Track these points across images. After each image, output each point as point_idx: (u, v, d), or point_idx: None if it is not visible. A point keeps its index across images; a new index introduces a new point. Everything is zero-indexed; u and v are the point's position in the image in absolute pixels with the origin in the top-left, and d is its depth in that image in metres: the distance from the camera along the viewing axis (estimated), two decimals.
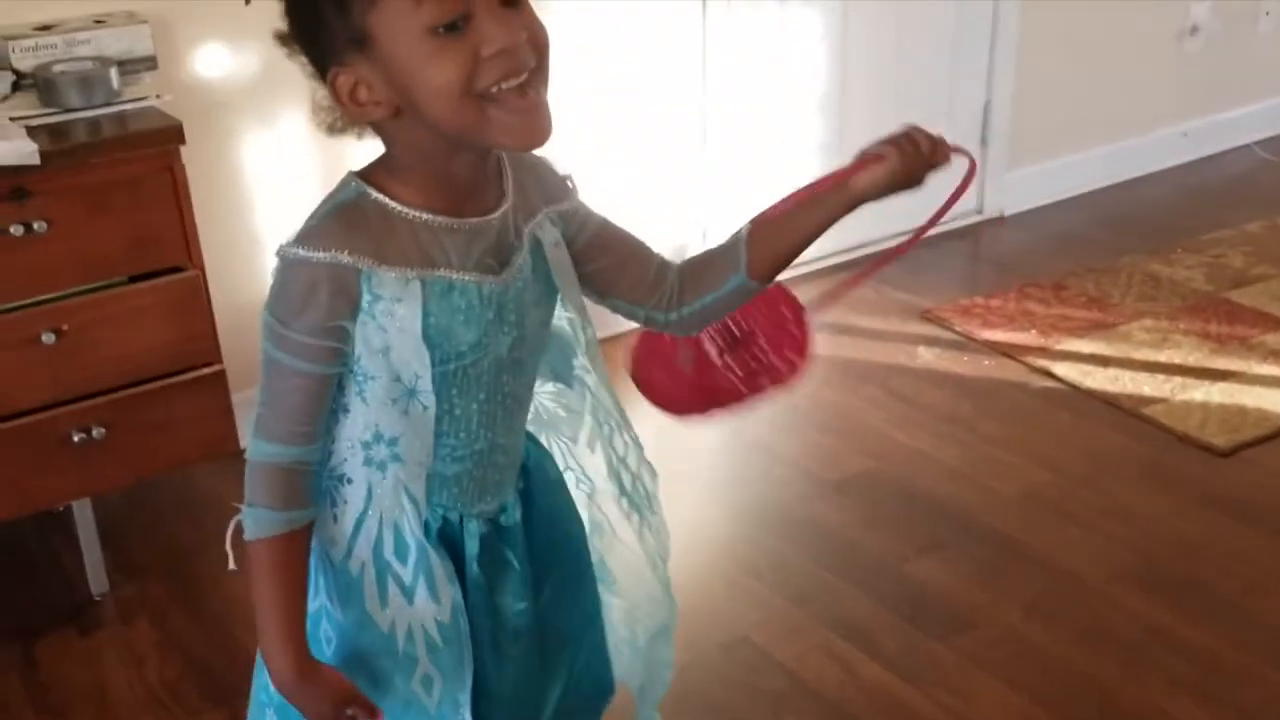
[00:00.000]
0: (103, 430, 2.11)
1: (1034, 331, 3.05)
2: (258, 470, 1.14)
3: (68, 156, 2.00)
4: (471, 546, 1.23)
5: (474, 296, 1.12)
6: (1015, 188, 3.74)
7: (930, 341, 3.08)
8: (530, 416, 1.30)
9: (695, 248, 3.20)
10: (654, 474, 1.38)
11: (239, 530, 1.17)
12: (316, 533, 1.18)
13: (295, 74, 1.10)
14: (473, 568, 1.23)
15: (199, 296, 2.15)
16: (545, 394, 1.33)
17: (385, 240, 1.08)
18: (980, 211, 3.72)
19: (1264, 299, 3.15)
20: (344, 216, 1.08)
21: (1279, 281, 3.24)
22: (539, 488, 1.31)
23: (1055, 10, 3.61)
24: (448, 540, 1.22)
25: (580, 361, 1.30)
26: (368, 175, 1.11)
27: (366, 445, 1.14)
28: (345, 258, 1.06)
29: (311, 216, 1.10)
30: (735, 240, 1.24)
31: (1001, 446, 2.65)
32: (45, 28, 2.21)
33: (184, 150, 2.09)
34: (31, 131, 2.01)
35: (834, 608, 2.20)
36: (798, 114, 3.33)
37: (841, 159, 1.21)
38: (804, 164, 3.35)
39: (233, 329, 2.26)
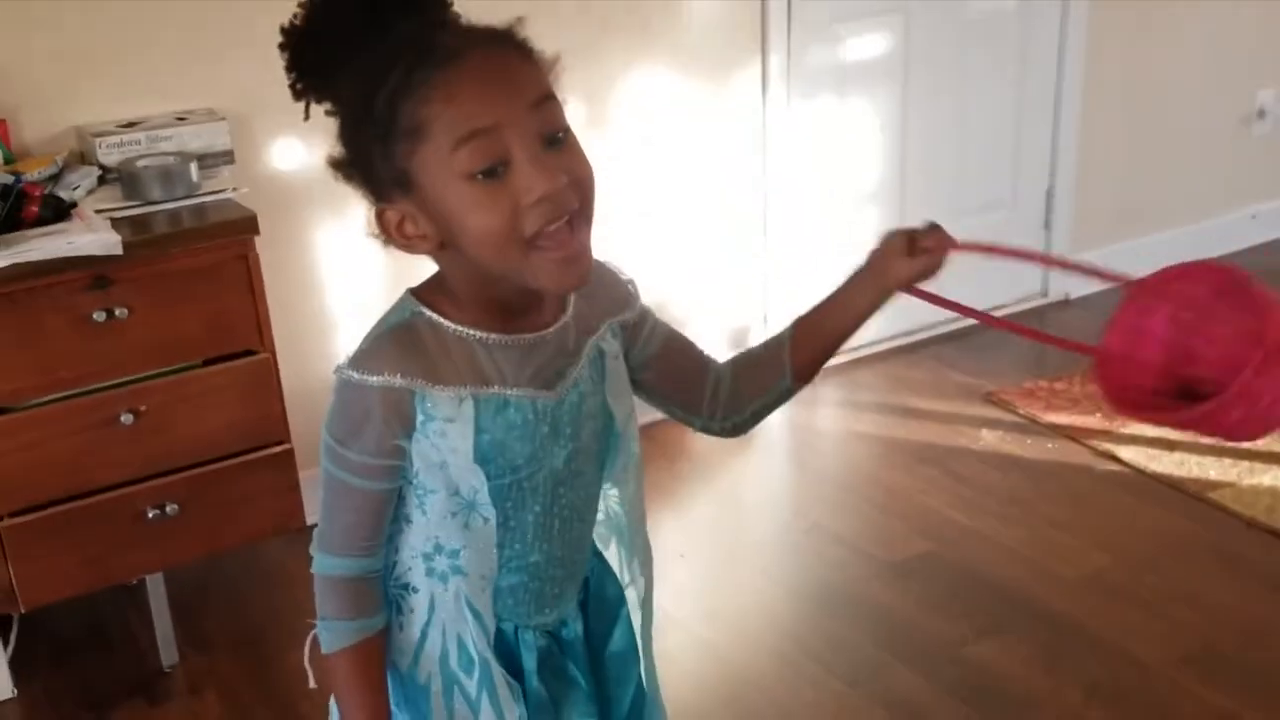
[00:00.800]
0: (176, 507, 2.19)
1: (1098, 415, 3.03)
2: (326, 584, 1.16)
3: (148, 247, 2.10)
4: (529, 660, 1.23)
5: (528, 412, 1.13)
6: None
7: (993, 424, 3.07)
8: (601, 517, 1.29)
9: (757, 331, 3.27)
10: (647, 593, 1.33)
11: (315, 645, 1.19)
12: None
13: None
14: (532, 682, 1.23)
15: (270, 378, 2.23)
16: (612, 497, 1.30)
17: (439, 359, 1.10)
18: (1045, 295, 3.71)
19: None
20: (398, 337, 1.10)
21: None
22: (595, 606, 1.30)
23: (1118, 96, 3.63)
24: (506, 653, 1.22)
25: (607, 483, 1.27)
26: (422, 293, 1.13)
27: (428, 557, 1.16)
28: (399, 380, 1.08)
29: (366, 337, 1.12)
30: (778, 344, 1.25)
31: (1063, 529, 2.63)
32: (130, 124, 2.34)
33: (258, 240, 2.18)
34: (115, 223, 2.11)
35: (890, 690, 2.19)
36: (857, 202, 3.37)
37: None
38: (862, 252, 3.39)
39: (301, 409, 2.34)
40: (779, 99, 3.14)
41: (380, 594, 1.18)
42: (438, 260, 1.12)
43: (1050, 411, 3.07)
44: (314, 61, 1.09)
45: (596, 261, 1.18)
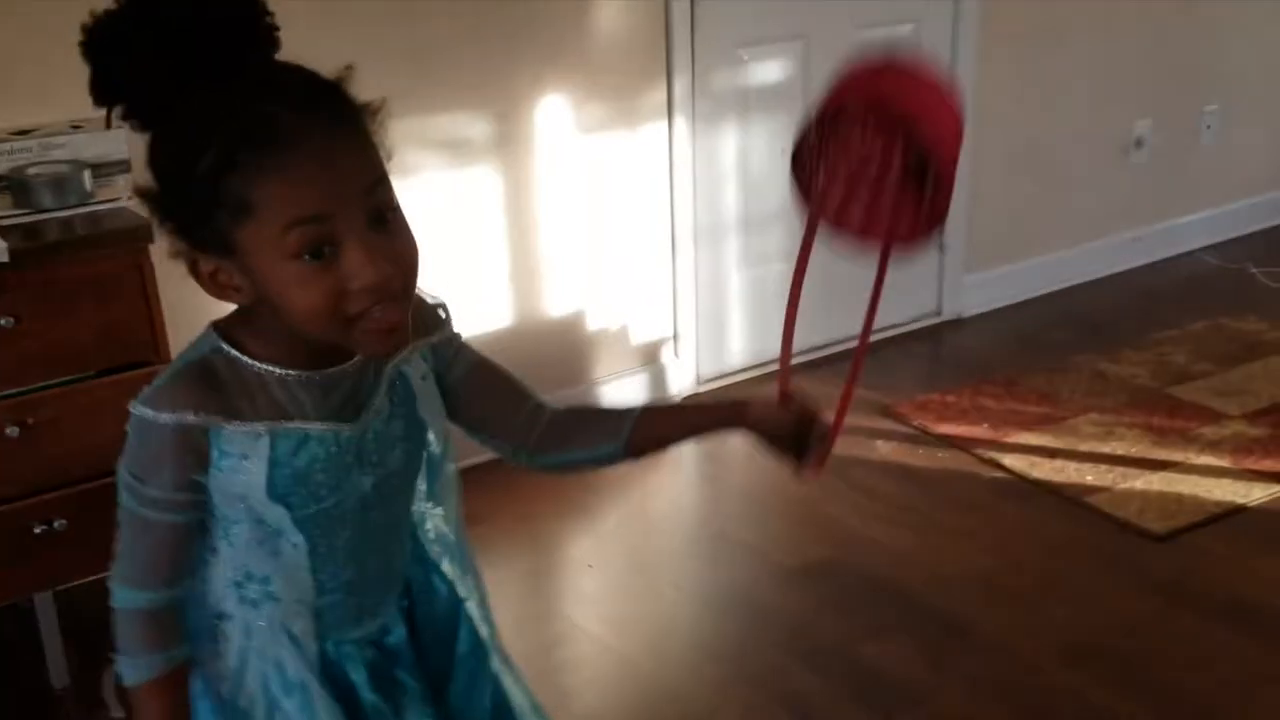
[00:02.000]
0: (65, 523, 2.12)
1: (986, 425, 3.18)
2: (128, 618, 1.16)
3: (38, 255, 2.05)
4: (357, 674, 1.23)
5: (331, 444, 1.13)
6: (972, 292, 3.91)
7: (889, 435, 3.21)
8: (432, 536, 1.31)
9: (667, 350, 3.37)
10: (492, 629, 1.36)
11: (118, 679, 1.19)
12: (204, 668, 1.21)
13: None
14: (365, 694, 1.23)
15: None
16: (437, 515, 1.32)
17: (236, 396, 1.09)
18: (939, 314, 3.88)
19: (1204, 394, 3.30)
20: (193, 374, 1.10)
21: (1219, 378, 3.39)
22: (423, 600, 1.31)
23: (1006, 124, 3.81)
24: (332, 672, 1.22)
25: (423, 501, 1.29)
26: (226, 327, 1.13)
27: (239, 585, 1.18)
28: (191, 417, 1.08)
29: (163, 373, 1.12)
30: (623, 415, 1.27)
31: (952, 534, 2.77)
32: (23, 132, 2.27)
33: (154, 249, 2.14)
34: (4, 231, 2.06)
35: (788, 689, 2.30)
36: (762, 224, 3.49)
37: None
38: (767, 272, 3.52)
39: None
40: (684, 122, 3.25)
41: (182, 625, 1.18)
42: (252, 306, 1.10)
43: (941, 423, 3.22)
44: (119, 75, 1.05)
45: None
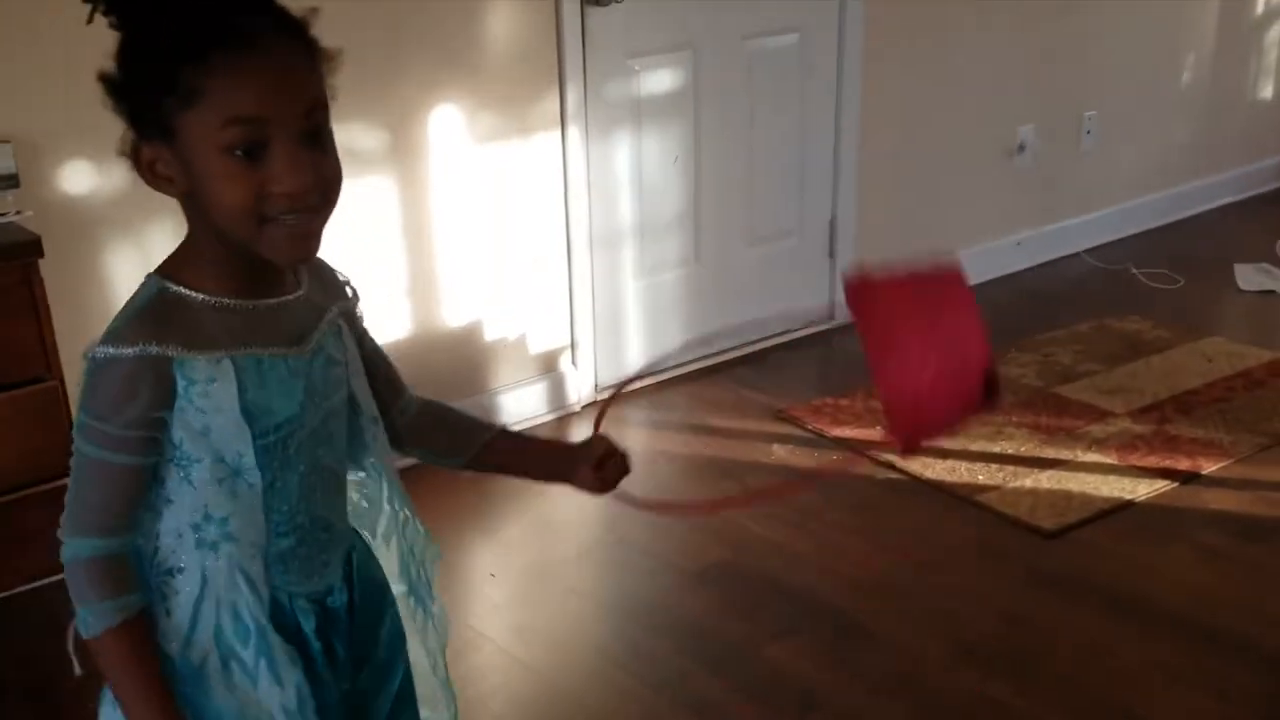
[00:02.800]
0: None
1: (879, 428, 3.22)
2: (80, 568, 1.15)
3: None
4: (307, 624, 1.26)
5: (283, 369, 1.18)
6: None
7: (784, 439, 3.24)
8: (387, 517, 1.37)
9: (565, 360, 3.36)
10: (437, 556, 1.43)
11: (78, 635, 1.17)
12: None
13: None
14: (314, 644, 1.26)
15: (58, 407, 2.18)
16: (351, 483, 1.36)
17: (190, 329, 1.14)
18: (833, 318, 3.92)
19: (1090, 393, 3.39)
20: (148, 312, 1.14)
21: (1103, 376, 3.49)
22: (362, 573, 1.35)
23: (893, 130, 3.88)
24: (283, 623, 1.24)
25: (371, 449, 1.33)
26: (166, 270, 1.17)
27: (196, 527, 1.18)
28: (155, 348, 1.11)
29: (116, 319, 1.15)
30: (476, 434, 1.40)
31: (848, 535, 2.80)
32: None
33: (46, 265, 2.14)
34: None
35: (690, 692, 2.30)
36: (656, 233, 3.50)
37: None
38: (663, 279, 3.53)
39: None
40: (578, 131, 3.24)
41: (137, 574, 1.18)
42: (183, 206, 1.17)
43: (836, 426, 3.25)
44: None
45: (320, 258, 1.26)
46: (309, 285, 1.24)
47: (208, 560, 1.19)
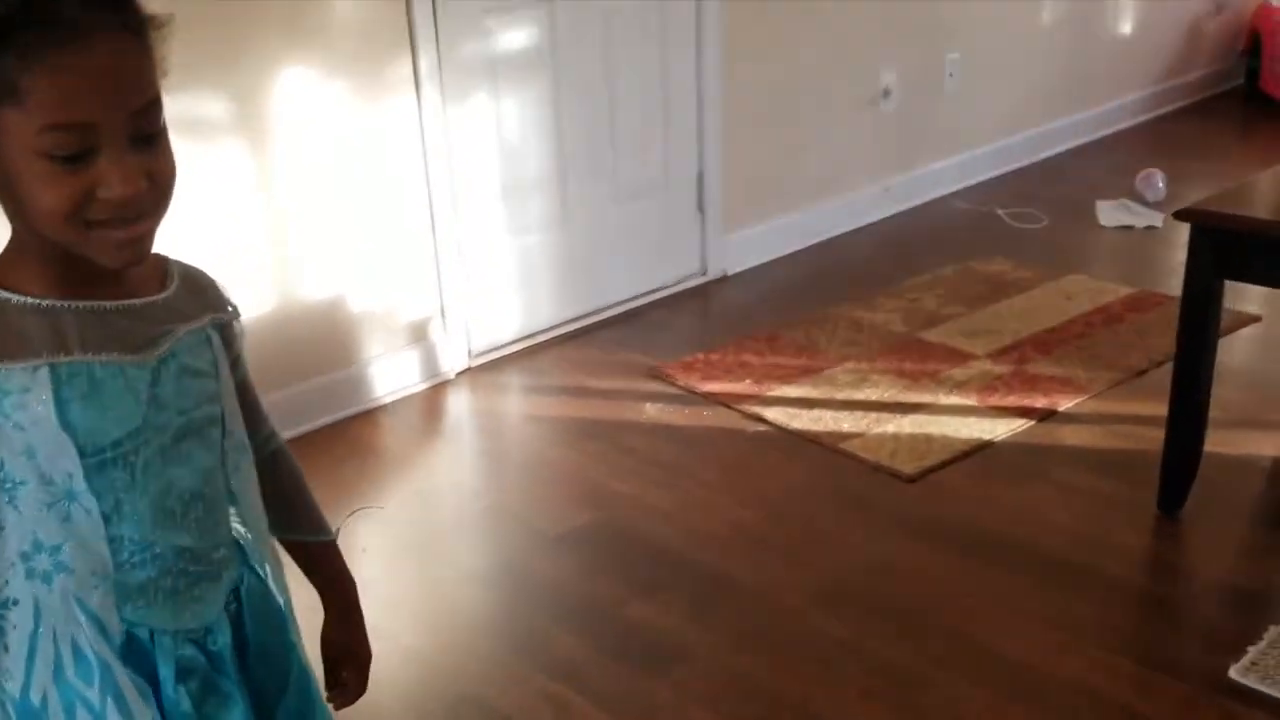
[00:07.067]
0: None
1: (749, 381, 3.26)
2: None
3: None
4: (165, 668, 1.15)
5: (117, 379, 1.08)
6: (735, 249, 3.99)
7: (656, 397, 3.25)
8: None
9: (436, 326, 3.32)
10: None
11: None
12: None
13: None
14: (167, 690, 1.15)
15: None
16: (232, 513, 1.26)
17: (4, 335, 1.05)
18: (705, 273, 3.94)
19: (953, 336, 3.45)
20: None
21: (966, 319, 3.56)
22: (254, 613, 1.25)
23: (755, 84, 3.89)
24: (139, 663, 1.14)
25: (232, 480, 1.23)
26: None
27: (26, 556, 1.09)
28: None
29: None
30: (305, 528, 1.41)
31: (715, 490, 2.83)
32: None
33: None
34: None
35: (552, 654, 2.31)
36: (521, 194, 3.47)
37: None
38: (531, 241, 3.50)
39: None
40: (434, 92, 3.19)
41: None
42: (1, 202, 1.07)
43: (707, 381, 3.28)
44: None
45: (197, 268, 1.20)
46: (176, 292, 1.16)
47: (39, 592, 1.10)
